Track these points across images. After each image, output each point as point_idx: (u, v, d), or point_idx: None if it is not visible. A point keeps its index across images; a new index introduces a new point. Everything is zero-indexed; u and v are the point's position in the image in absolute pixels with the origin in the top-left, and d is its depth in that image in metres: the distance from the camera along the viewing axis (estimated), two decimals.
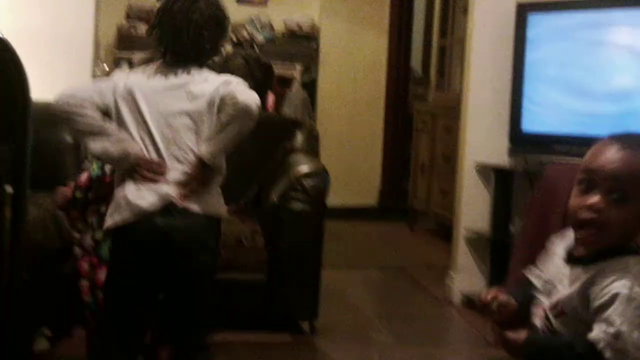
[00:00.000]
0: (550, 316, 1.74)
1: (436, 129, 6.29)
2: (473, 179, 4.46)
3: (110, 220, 2.38)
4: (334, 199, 3.97)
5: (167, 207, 2.31)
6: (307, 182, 3.56)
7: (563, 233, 1.85)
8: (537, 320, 1.77)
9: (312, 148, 4.10)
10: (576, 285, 1.71)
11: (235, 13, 8.18)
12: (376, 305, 4.66)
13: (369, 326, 4.00)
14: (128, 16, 7.90)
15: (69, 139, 3.69)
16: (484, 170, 4.43)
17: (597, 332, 1.63)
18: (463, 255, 4.49)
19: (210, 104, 2.36)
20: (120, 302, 2.44)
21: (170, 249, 2.33)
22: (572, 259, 1.77)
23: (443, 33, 6.61)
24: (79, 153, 3.64)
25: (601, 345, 1.62)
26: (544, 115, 4.09)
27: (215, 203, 2.42)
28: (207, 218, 2.36)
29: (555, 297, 1.74)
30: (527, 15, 4.16)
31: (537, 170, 3.85)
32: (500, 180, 4.37)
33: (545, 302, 1.77)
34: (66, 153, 3.66)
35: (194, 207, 2.34)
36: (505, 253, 3.95)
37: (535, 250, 3.15)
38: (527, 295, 1.83)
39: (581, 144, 3.76)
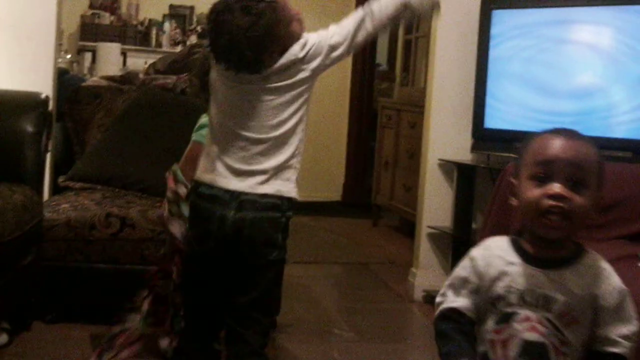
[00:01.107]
0: (560, 326, 1.72)
1: (401, 125, 6.30)
2: (436, 175, 4.47)
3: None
4: (297, 194, 3.95)
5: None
6: None
7: (484, 246, 1.88)
8: (531, 334, 1.72)
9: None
10: (579, 288, 1.73)
11: (201, 3, 8.17)
12: (338, 301, 4.66)
13: (330, 322, 3.99)
14: (92, 5, 7.83)
15: (29, 129, 3.63)
16: (446, 167, 4.44)
17: (623, 343, 1.72)
18: (425, 252, 4.50)
19: None
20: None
21: (236, 240, 2.30)
22: (539, 261, 1.76)
23: (408, 28, 6.62)
24: (40, 144, 3.60)
25: (628, 351, 1.73)
26: (507, 112, 4.11)
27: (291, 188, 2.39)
28: (276, 209, 2.33)
29: (560, 305, 1.72)
30: (491, 11, 4.17)
31: (500, 167, 3.87)
32: (462, 177, 4.38)
33: (533, 314, 1.73)
34: (26, 143, 3.60)
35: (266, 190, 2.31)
36: (467, 250, 3.95)
37: None
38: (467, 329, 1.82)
39: None
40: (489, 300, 1.78)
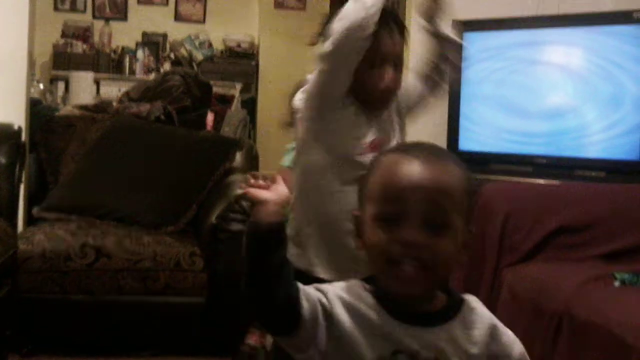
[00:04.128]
0: None
1: None
2: None
3: None
4: None
5: None
6: (246, 203, 3.53)
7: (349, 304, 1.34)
8: None
9: (252, 167, 4.08)
10: (476, 347, 1.32)
11: (174, 31, 8.18)
12: None
13: None
14: (64, 34, 7.81)
15: (3, 160, 3.61)
16: None
17: None
18: None
19: None
20: None
21: None
22: (414, 316, 1.32)
23: None
24: (13, 175, 3.58)
25: None
26: (481, 133, 4.12)
27: None
28: None
29: None
30: (463, 33, 4.19)
31: (474, 189, 3.88)
32: None
33: None
34: (0, 175, 3.58)
35: None
36: None
37: (472, 267, 3.19)
38: None
39: (518, 162, 3.83)
40: None
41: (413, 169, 1.31)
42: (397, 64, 2.17)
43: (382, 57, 2.13)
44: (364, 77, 2.12)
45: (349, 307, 1.32)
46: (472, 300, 1.38)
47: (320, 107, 2.14)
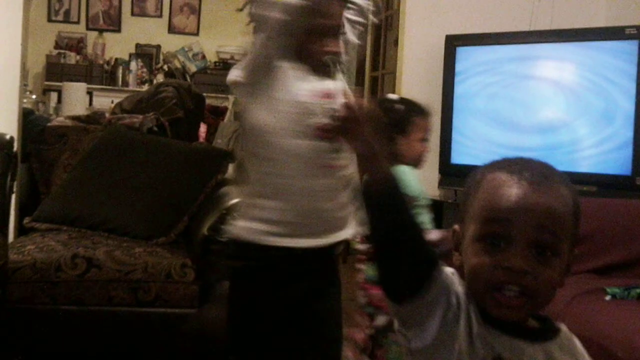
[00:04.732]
0: None
1: None
2: None
3: None
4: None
5: None
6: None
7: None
8: None
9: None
10: None
11: (167, 42, 8.19)
12: None
13: None
14: (57, 45, 7.81)
15: None
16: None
17: None
18: None
19: None
20: None
21: None
22: (519, 330, 1.27)
23: (375, 65, 6.66)
24: (5, 185, 3.56)
25: None
26: (473, 147, 4.14)
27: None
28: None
29: None
30: (455, 48, 4.21)
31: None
32: (430, 212, 4.39)
33: None
34: None
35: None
36: None
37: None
38: None
39: None
40: None
41: (522, 191, 1.24)
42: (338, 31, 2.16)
43: (323, 30, 2.11)
44: (309, 48, 2.11)
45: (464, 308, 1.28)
46: (567, 330, 1.33)
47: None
